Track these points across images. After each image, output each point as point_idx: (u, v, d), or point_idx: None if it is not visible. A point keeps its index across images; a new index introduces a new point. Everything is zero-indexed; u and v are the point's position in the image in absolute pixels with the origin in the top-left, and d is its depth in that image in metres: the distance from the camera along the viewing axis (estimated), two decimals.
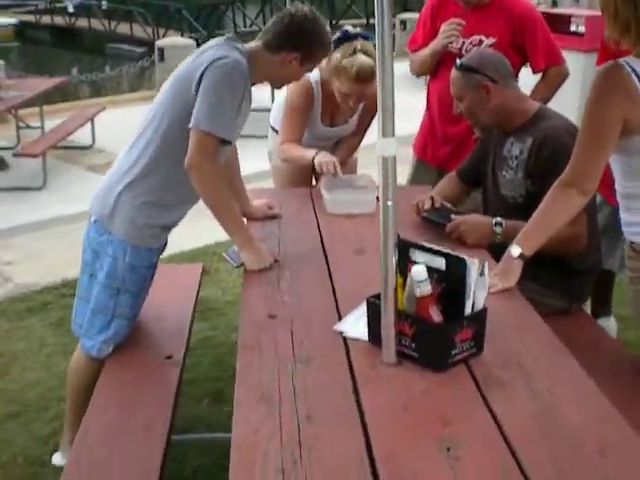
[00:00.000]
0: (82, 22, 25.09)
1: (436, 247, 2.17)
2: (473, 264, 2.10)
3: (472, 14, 3.84)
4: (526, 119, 3.11)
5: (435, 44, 3.87)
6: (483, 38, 3.81)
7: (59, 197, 7.05)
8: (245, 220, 3.19)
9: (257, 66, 2.87)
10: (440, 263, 2.13)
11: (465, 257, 2.10)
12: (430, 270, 2.11)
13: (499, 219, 2.95)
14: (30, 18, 26.16)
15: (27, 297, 4.98)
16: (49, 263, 5.50)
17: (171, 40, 13.20)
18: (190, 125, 2.70)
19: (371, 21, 22.76)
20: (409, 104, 5.29)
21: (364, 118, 3.88)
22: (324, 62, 3.50)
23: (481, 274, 2.14)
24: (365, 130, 3.96)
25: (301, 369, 2.10)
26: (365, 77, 3.47)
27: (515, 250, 2.61)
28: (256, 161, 5.01)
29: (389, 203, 2.00)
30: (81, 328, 3.06)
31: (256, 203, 3.39)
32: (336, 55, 3.48)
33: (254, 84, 2.92)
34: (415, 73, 4.10)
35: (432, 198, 3.19)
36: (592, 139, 2.46)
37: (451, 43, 3.81)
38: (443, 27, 3.83)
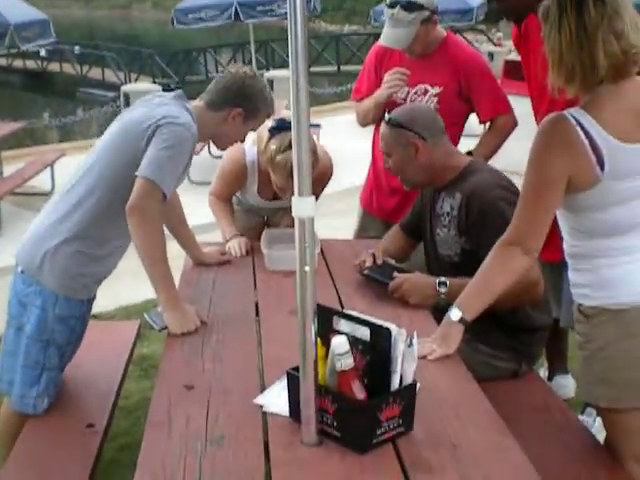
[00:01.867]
0: (54, 66, 25.06)
1: (359, 315, 2.01)
2: (400, 334, 1.94)
3: (417, 63, 3.73)
4: (456, 174, 3.00)
5: (378, 94, 3.74)
6: (429, 87, 3.70)
7: (14, 245, 6.82)
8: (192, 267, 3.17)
9: (201, 124, 2.86)
10: (364, 333, 1.96)
11: (391, 326, 1.94)
12: (355, 341, 1.95)
13: (443, 279, 2.81)
14: (2, 61, 26.03)
15: None
16: None
17: (137, 85, 13.16)
18: (138, 172, 2.65)
19: (342, 68, 22.97)
20: (363, 151, 5.16)
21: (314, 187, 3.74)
22: (262, 144, 3.42)
23: (409, 345, 1.97)
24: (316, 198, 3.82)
25: (211, 451, 1.92)
26: None
27: (455, 314, 2.46)
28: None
29: (306, 268, 1.84)
30: (10, 385, 2.92)
31: (207, 250, 3.39)
32: (271, 147, 3.36)
33: (197, 143, 2.90)
34: (360, 123, 3.98)
35: (373, 255, 3.04)
36: (535, 195, 2.32)
37: (395, 93, 3.69)
38: (386, 77, 3.71)
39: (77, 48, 24.37)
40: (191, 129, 2.75)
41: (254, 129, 3.10)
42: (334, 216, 6.44)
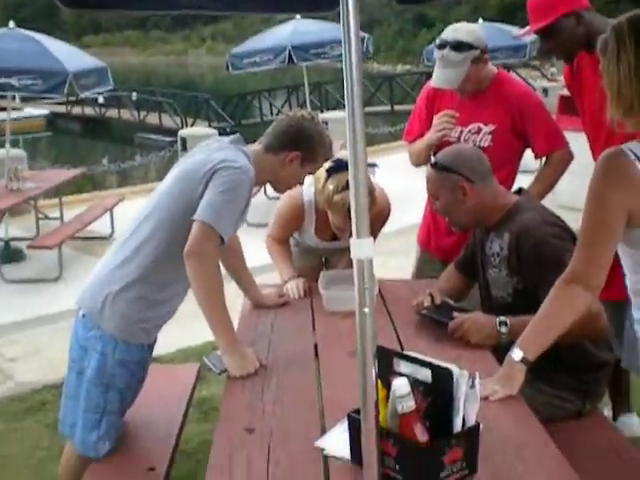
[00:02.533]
0: (112, 112, 25.58)
1: (419, 356, 1.98)
2: (462, 376, 1.91)
3: (469, 102, 3.72)
4: (503, 214, 2.97)
5: (429, 137, 3.73)
6: (482, 126, 3.69)
7: (74, 289, 6.92)
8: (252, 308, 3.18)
9: (259, 168, 2.87)
10: (426, 374, 1.94)
11: (453, 367, 1.91)
12: (415, 382, 1.93)
13: (503, 318, 2.77)
14: (61, 109, 26.66)
15: (26, 396, 4.81)
16: (53, 360, 5.33)
17: (194, 130, 13.34)
18: (195, 216, 2.67)
19: (396, 108, 23.02)
20: (419, 189, 5.15)
21: (371, 228, 3.76)
22: (320, 185, 3.44)
23: (472, 386, 1.94)
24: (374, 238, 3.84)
25: None
26: None
27: (517, 354, 2.42)
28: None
29: (366, 310, 1.83)
30: (72, 428, 2.93)
31: (265, 291, 3.41)
32: (329, 187, 3.39)
33: (256, 186, 2.95)
34: (413, 164, 3.96)
35: (431, 295, 3.02)
36: (595, 231, 2.28)
37: (445, 135, 3.67)
38: (435, 120, 3.71)
39: (134, 94, 24.87)
40: (248, 172, 2.77)
41: (312, 172, 3.12)
42: (391, 255, 6.43)
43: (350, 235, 3.52)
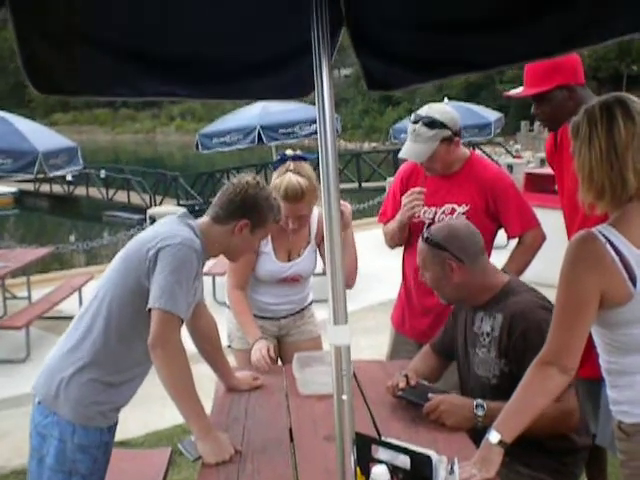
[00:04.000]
0: (80, 190, 25.65)
1: (399, 443, 1.97)
2: (440, 461, 1.90)
3: (443, 182, 3.77)
4: (495, 293, 2.98)
5: (400, 218, 3.77)
6: (456, 207, 3.72)
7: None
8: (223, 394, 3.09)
9: (209, 240, 2.86)
10: (405, 462, 1.92)
11: (432, 454, 1.90)
12: (395, 469, 1.91)
13: (480, 401, 2.77)
14: (29, 186, 26.63)
15: None
16: (20, 443, 5.20)
17: (163, 208, 13.36)
18: (150, 305, 2.64)
19: (363, 185, 23.26)
20: (391, 268, 5.16)
21: (320, 240, 3.85)
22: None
23: (451, 472, 1.93)
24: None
25: None
26: (294, 195, 3.51)
27: (494, 437, 2.40)
28: None
29: (344, 397, 1.82)
30: None
31: (239, 374, 3.33)
32: (273, 177, 3.58)
33: (208, 259, 2.92)
34: (388, 245, 3.99)
35: (406, 376, 3.01)
36: (569, 313, 2.30)
37: (415, 214, 3.72)
38: (404, 199, 3.75)
39: (103, 172, 24.92)
40: (192, 244, 2.72)
41: (263, 238, 3.10)
42: (363, 333, 6.41)
43: (304, 247, 3.70)
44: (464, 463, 2.36)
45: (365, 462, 1.93)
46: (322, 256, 3.83)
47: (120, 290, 2.77)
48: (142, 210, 20.75)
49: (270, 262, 3.76)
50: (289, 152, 3.64)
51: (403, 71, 2.51)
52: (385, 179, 15.49)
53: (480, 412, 2.75)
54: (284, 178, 3.53)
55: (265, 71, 2.52)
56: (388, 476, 1.85)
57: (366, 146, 46.72)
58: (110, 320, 2.76)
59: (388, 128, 18.30)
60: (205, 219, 2.92)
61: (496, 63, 2.33)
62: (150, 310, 2.64)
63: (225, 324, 3.89)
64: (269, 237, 3.71)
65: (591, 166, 2.24)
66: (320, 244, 3.84)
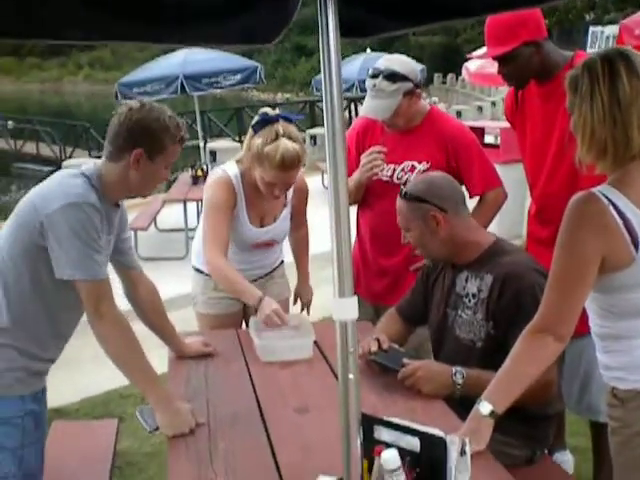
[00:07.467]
0: None
1: (407, 423, 1.81)
2: (452, 443, 1.75)
3: (402, 139, 3.59)
4: (481, 252, 2.83)
5: (358, 177, 3.56)
6: (416, 164, 3.55)
7: None
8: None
9: (109, 182, 2.59)
10: (413, 444, 1.77)
11: (443, 435, 1.75)
12: (401, 451, 1.75)
13: (459, 368, 2.64)
14: None
15: None
16: None
17: (80, 161, 12.87)
18: (66, 277, 2.43)
19: None
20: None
21: (298, 203, 3.66)
22: (242, 152, 3.33)
23: (462, 453, 1.78)
24: (304, 214, 3.73)
25: None
26: (291, 163, 3.22)
27: (485, 408, 2.27)
28: (173, 284, 4.69)
29: (350, 376, 1.65)
30: None
31: (189, 340, 3.12)
32: (257, 141, 3.23)
33: (116, 204, 2.67)
34: None
35: (378, 339, 2.86)
36: (567, 279, 2.17)
37: (375, 174, 3.53)
38: (363, 159, 3.55)
39: (10, 123, 24.06)
40: (85, 199, 2.45)
41: (169, 163, 2.70)
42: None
43: (280, 190, 3.39)
44: (451, 435, 2.24)
45: (368, 444, 1.77)
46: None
47: (16, 251, 2.51)
48: (53, 162, 20.13)
49: (245, 227, 3.50)
50: (269, 111, 3.32)
51: (377, 18, 2.32)
52: (304, 131, 15.22)
53: (459, 379, 2.62)
54: (278, 145, 3.19)
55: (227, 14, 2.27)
56: (399, 462, 1.70)
57: (279, 97, 46.25)
58: (7, 284, 2.51)
59: (302, 79, 18.01)
60: (101, 161, 2.63)
61: (471, 11, 2.14)
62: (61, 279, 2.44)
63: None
64: (243, 202, 3.46)
65: (593, 123, 2.10)
66: (296, 205, 3.64)
